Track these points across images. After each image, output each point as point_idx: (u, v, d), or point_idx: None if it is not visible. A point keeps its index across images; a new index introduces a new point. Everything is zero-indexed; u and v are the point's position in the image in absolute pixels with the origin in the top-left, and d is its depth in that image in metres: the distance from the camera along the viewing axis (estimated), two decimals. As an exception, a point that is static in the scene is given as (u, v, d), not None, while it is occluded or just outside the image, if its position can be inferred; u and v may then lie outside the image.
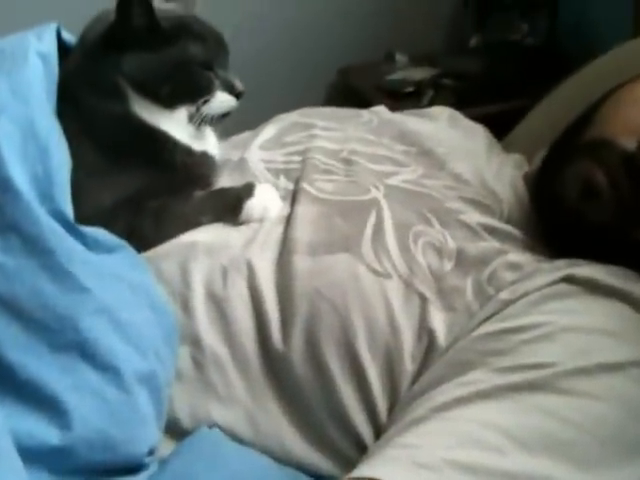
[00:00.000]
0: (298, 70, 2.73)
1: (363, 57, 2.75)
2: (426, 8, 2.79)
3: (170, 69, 1.01)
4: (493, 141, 1.38)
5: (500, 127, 1.44)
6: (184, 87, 1.02)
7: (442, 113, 1.40)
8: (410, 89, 2.47)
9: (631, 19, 2.17)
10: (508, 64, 2.45)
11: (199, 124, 1.04)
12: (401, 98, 2.40)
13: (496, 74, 2.43)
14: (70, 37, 1.08)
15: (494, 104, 2.26)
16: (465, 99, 2.12)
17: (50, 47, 0.99)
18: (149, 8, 0.98)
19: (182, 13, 1.07)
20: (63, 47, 1.05)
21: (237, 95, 1.05)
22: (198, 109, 1.03)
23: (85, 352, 0.79)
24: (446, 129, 1.33)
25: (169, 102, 1.02)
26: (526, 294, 0.90)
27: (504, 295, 0.91)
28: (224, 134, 1.18)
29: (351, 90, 2.71)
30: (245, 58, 2.46)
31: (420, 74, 2.53)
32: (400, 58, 2.67)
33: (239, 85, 1.05)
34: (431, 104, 2.00)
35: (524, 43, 2.54)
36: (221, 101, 1.04)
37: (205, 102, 1.02)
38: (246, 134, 1.27)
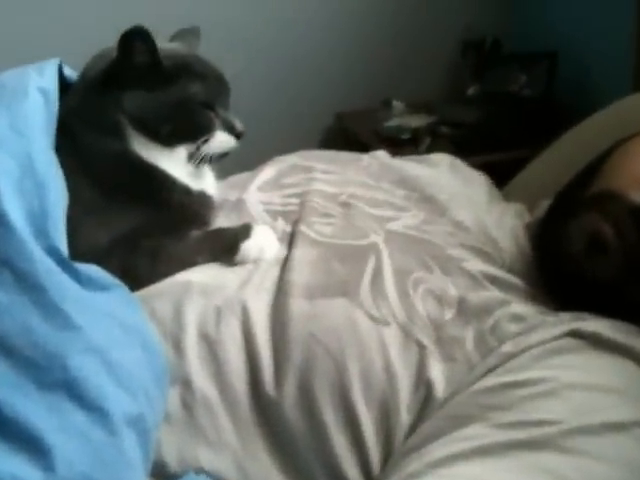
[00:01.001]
0: (296, 114, 2.76)
1: (360, 103, 2.79)
2: (424, 57, 2.85)
3: (171, 108, 1.01)
4: (494, 189, 1.39)
5: (497, 177, 1.45)
6: (184, 126, 1.02)
7: (442, 159, 1.41)
8: (407, 136, 2.49)
9: (631, 72, 2.20)
10: (506, 114, 2.50)
11: (198, 163, 1.04)
12: (398, 145, 2.42)
13: (493, 124, 2.47)
14: (72, 73, 1.08)
15: (491, 154, 2.28)
16: (462, 147, 2.14)
17: (51, 82, 0.99)
18: (152, 45, 0.99)
19: (184, 52, 1.08)
20: (64, 83, 1.05)
21: (237, 135, 1.06)
22: (198, 148, 1.03)
23: (73, 392, 0.77)
24: (447, 176, 1.33)
25: (169, 141, 1.02)
26: (530, 347, 0.88)
27: (507, 347, 0.89)
28: (222, 174, 1.18)
29: (348, 135, 2.73)
30: (244, 100, 2.49)
31: (417, 121, 2.57)
32: (397, 105, 2.71)
33: (239, 125, 1.06)
34: (428, 151, 2.01)
35: (522, 94, 2.57)
36: (221, 141, 1.04)
37: (205, 141, 1.03)
38: (244, 175, 1.28)
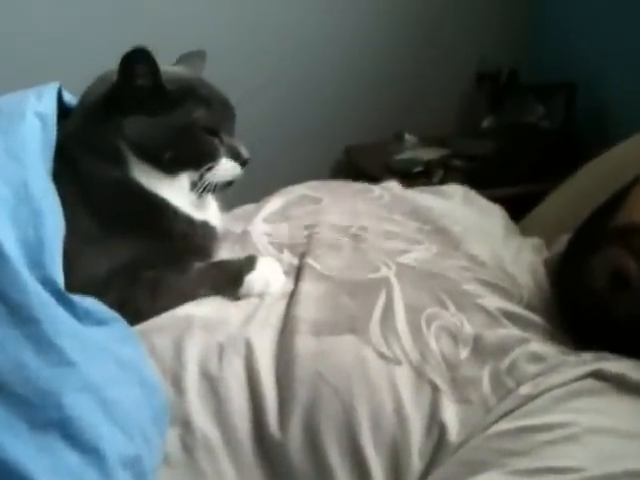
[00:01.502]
0: (306, 147, 2.75)
1: (372, 136, 2.78)
2: (437, 89, 2.84)
3: (173, 133, 0.99)
4: (510, 223, 1.36)
5: (512, 212, 1.42)
6: (187, 153, 1.00)
7: (456, 191, 1.38)
8: (419, 169, 2.46)
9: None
10: (522, 147, 2.45)
11: (201, 192, 1.01)
12: (409, 178, 2.38)
13: (509, 157, 2.43)
14: (71, 98, 1.07)
15: (506, 187, 2.24)
16: (476, 181, 2.09)
17: (49, 107, 0.98)
18: (154, 68, 0.97)
19: (188, 75, 1.05)
20: (64, 108, 1.03)
21: (243, 163, 1.03)
22: (201, 176, 1.00)
23: (66, 431, 0.74)
24: (461, 207, 1.30)
25: (171, 168, 1.00)
26: (550, 389, 0.85)
27: (525, 389, 0.86)
28: (229, 207, 1.16)
29: (358, 169, 2.71)
30: (253, 132, 2.49)
31: (429, 154, 2.55)
32: (409, 138, 2.69)
33: (245, 152, 1.03)
34: (441, 184, 1.99)
35: (539, 126, 2.55)
36: (225, 169, 1.02)
37: (209, 169, 1.00)
38: (250, 206, 1.26)
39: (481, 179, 2.16)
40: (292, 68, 2.70)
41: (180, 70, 1.07)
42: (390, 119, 2.79)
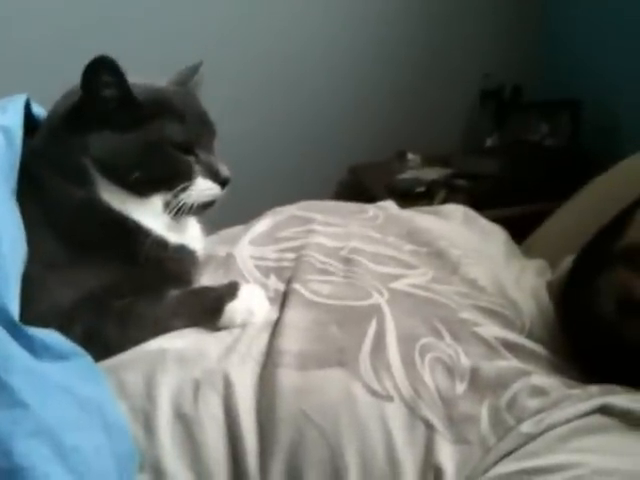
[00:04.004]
0: (309, 167, 2.71)
1: (375, 156, 2.73)
2: (440, 108, 2.79)
3: (142, 151, 0.91)
4: (512, 244, 1.29)
5: (516, 232, 1.36)
6: (157, 173, 0.93)
7: (456, 211, 1.32)
8: (421, 189, 2.40)
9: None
10: (527, 165, 2.39)
11: (176, 214, 0.94)
12: (412, 198, 2.32)
13: (514, 175, 2.36)
14: (41, 110, 1.00)
15: (510, 207, 2.19)
16: (480, 201, 2.03)
17: (14, 121, 0.92)
18: (120, 78, 0.90)
19: (163, 88, 0.98)
20: (33, 121, 0.97)
21: (221, 182, 0.96)
22: (176, 197, 0.93)
23: None
24: (460, 229, 1.24)
25: (140, 189, 0.92)
26: (553, 427, 0.78)
27: (527, 427, 0.79)
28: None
29: (361, 188, 2.66)
30: (257, 153, 2.45)
31: (432, 174, 2.49)
32: (412, 157, 2.64)
33: (224, 171, 0.96)
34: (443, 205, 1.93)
35: (544, 144, 2.49)
36: (202, 189, 0.94)
37: (183, 189, 0.93)
38: (237, 228, 1.18)
39: (485, 199, 2.11)
40: (295, 89, 2.66)
41: (153, 81, 0.99)
42: (393, 139, 2.75)
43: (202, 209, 0.96)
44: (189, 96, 0.99)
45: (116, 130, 0.91)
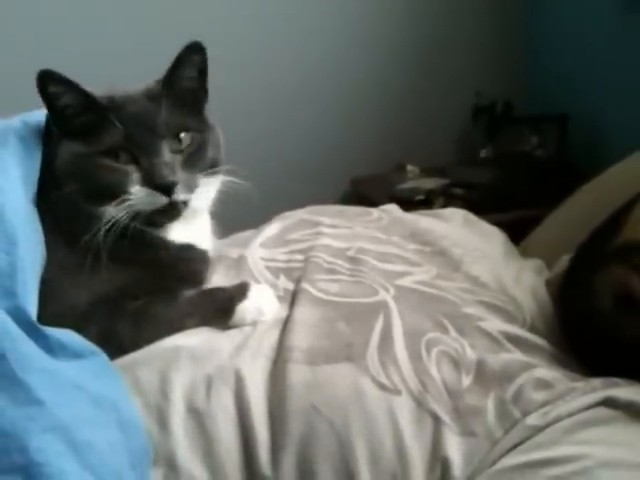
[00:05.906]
0: (312, 179, 2.66)
1: (376, 168, 2.70)
2: (436, 122, 2.76)
3: (73, 162, 0.84)
4: (510, 244, 1.25)
5: (509, 236, 1.31)
6: (90, 184, 0.84)
7: (456, 214, 1.28)
8: (421, 197, 2.38)
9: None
10: (519, 175, 2.37)
11: (131, 224, 0.84)
12: (411, 206, 2.28)
13: (507, 184, 2.34)
14: None
15: (505, 213, 2.15)
16: (475, 207, 1.99)
17: (34, 132, 0.88)
18: (69, 86, 0.83)
19: (120, 95, 0.88)
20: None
21: (158, 188, 0.83)
22: (117, 207, 0.82)
23: (32, 478, 0.61)
24: (461, 230, 1.19)
25: (87, 201, 0.84)
26: (558, 419, 0.74)
27: (532, 420, 0.74)
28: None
29: (363, 199, 2.61)
30: (259, 167, 2.41)
31: (430, 184, 2.46)
32: (411, 169, 2.62)
33: (160, 176, 0.83)
34: (442, 211, 1.90)
35: (534, 154, 2.46)
36: (139, 197, 0.83)
37: (123, 200, 0.82)
38: (249, 232, 1.14)
39: (480, 206, 2.06)
40: (298, 105, 2.61)
41: (115, 89, 0.89)
42: (393, 152, 2.72)
43: (164, 216, 0.86)
44: (143, 100, 0.88)
45: (71, 139, 0.84)
